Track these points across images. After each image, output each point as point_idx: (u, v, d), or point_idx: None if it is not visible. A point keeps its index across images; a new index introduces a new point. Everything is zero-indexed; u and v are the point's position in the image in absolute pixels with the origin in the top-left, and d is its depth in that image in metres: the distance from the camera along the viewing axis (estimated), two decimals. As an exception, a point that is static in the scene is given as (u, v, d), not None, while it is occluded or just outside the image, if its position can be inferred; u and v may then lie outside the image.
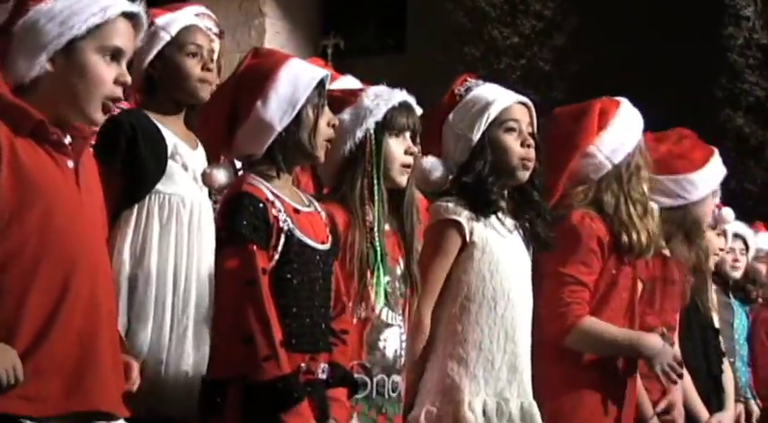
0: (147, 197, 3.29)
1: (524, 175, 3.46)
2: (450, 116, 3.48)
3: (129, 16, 2.65)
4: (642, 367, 3.78)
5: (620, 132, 3.77)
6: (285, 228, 2.84)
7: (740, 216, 5.39)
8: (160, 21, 3.48)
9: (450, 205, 3.40)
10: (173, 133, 3.39)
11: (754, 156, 8.91)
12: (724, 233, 5.19)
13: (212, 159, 3.19)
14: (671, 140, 4.24)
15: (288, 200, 2.90)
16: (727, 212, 5.05)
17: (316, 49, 9.88)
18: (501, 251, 3.40)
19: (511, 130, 3.45)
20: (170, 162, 3.34)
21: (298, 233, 2.86)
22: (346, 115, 3.19)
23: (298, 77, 2.91)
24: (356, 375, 3.05)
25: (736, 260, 5.50)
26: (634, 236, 3.68)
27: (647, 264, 3.92)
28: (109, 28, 2.60)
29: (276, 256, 2.83)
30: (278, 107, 2.88)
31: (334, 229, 3.03)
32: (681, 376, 3.77)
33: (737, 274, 5.55)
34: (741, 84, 8.96)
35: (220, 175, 2.94)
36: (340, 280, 3.04)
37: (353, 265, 3.09)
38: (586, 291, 3.63)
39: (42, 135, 2.53)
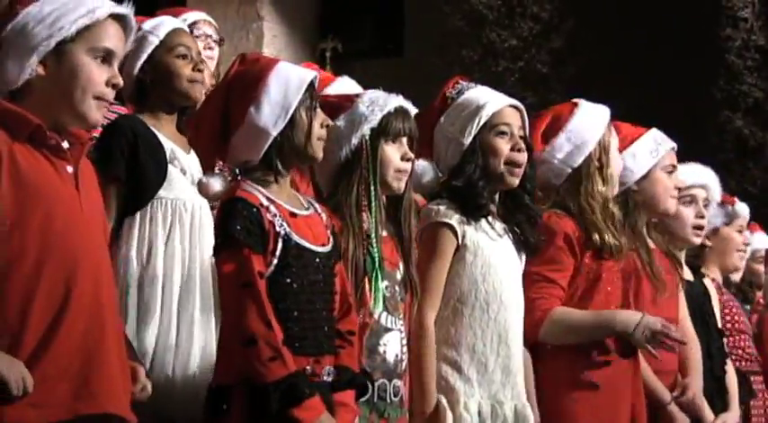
0: (150, 203, 3.30)
1: (513, 181, 3.46)
2: (442, 119, 3.48)
3: (118, 18, 2.66)
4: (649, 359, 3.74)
5: (576, 135, 3.74)
6: (282, 232, 2.84)
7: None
8: (147, 25, 3.50)
9: (442, 208, 3.39)
10: (168, 138, 3.41)
11: (754, 157, 8.91)
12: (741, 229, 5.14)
13: (206, 168, 3.18)
14: None
15: (284, 204, 2.89)
16: (741, 207, 5.03)
17: (313, 53, 9.87)
18: (492, 254, 3.40)
19: (502, 134, 3.45)
20: (169, 167, 3.35)
21: (295, 237, 2.85)
22: (341, 121, 3.18)
23: (288, 81, 2.91)
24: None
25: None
26: (605, 236, 3.66)
27: (634, 255, 3.88)
28: (98, 30, 2.61)
29: (274, 261, 2.82)
30: (271, 112, 2.87)
31: (335, 230, 3.02)
32: (680, 342, 3.71)
33: (737, 276, 5.53)
34: (740, 85, 8.96)
35: (216, 184, 2.93)
36: (345, 280, 3.02)
37: (349, 272, 3.09)
38: (556, 287, 3.62)
39: (40, 140, 2.54)
